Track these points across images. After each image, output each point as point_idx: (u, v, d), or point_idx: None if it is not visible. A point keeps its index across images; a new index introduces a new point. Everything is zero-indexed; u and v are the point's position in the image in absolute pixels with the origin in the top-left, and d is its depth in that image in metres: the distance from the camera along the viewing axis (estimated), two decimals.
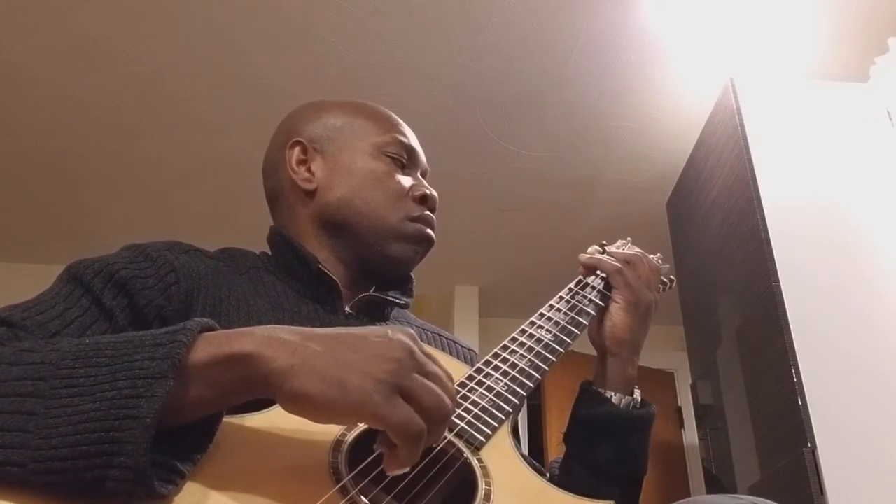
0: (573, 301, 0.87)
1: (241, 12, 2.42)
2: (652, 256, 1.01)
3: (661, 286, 1.01)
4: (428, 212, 0.90)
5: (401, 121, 0.95)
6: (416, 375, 0.51)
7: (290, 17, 2.44)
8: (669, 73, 2.67)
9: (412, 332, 0.55)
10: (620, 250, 0.98)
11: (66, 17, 2.41)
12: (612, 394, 0.83)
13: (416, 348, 0.53)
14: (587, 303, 0.87)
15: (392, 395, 0.49)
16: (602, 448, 0.81)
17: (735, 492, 2.05)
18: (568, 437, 0.85)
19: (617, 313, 0.85)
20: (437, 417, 0.51)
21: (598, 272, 0.92)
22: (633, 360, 0.85)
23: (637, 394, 0.85)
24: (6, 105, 2.81)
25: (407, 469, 0.51)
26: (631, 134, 2.99)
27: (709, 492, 2.49)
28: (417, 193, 0.89)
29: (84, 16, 2.41)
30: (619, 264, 0.87)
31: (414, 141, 0.94)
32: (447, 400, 0.52)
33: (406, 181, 0.90)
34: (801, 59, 2.55)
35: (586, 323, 0.85)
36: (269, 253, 0.91)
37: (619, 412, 0.81)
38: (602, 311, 0.87)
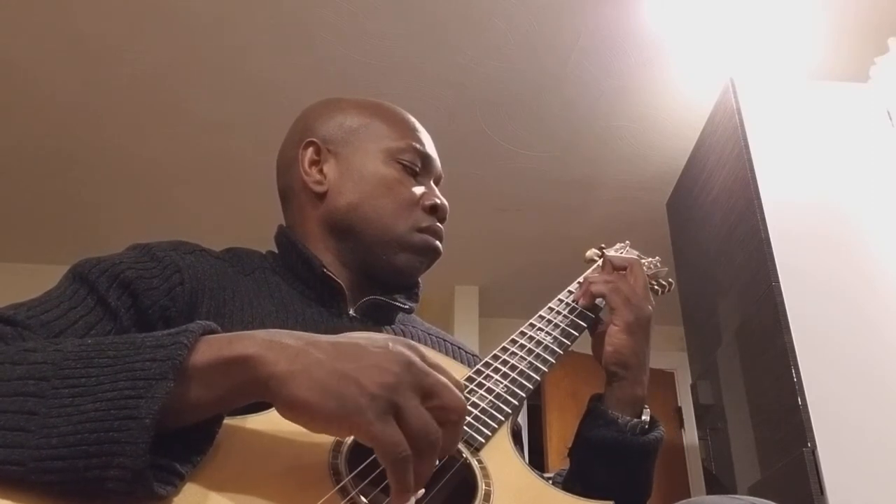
0: (573, 303, 0.87)
1: (241, 12, 2.42)
2: (651, 259, 1.01)
3: (659, 289, 1.01)
4: (437, 222, 0.88)
5: (418, 125, 0.93)
6: (412, 394, 0.50)
7: (290, 17, 2.44)
8: (669, 72, 2.67)
9: (415, 343, 0.54)
10: (618, 254, 0.98)
11: (65, 16, 2.41)
12: (619, 415, 0.80)
13: (416, 360, 0.52)
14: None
15: (385, 414, 0.48)
16: (606, 472, 0.79)
17: (735, 492, 2.05)
18: (572, 455, 0.84)
19: (617, 336, 0.81)
20: (423, 445, 0.49)
21: (598, 263, 0.92)
22: (642, 380, 0.82)
23: (646, 414, 0.82)
24: (6, 105, 2.81)
25: (409, 496, 0.50)
26: (631, 134, 2.99)
27: (709, 492, 2.49)
28: (427, 203, 0.87)
29: (84, 16, 2.41)
30: (611, 288, 0.83)
31: (429, 147, 0.92)
32: (435, 428, 0.50)
33: (417, 190, 0.88)
34: (801, 59, 2.56)
35: (586, 325, 0.85)
36: (276, 251, 0.91)
37: (626, 439, 0.79)
38: (598, 312, 0.86)
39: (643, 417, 0.82)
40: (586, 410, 0.84)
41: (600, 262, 0.92)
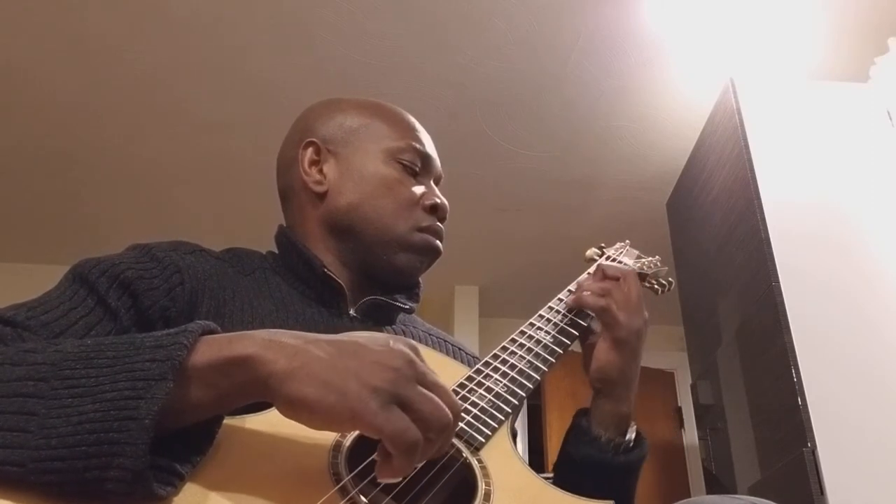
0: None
1: (241, 12, 2.42)
2: (651, 258, 1.01)
3: (660, 288, 1.01)
4: (437, 222, 0.88)
5: (418, 125, 0.93)
6: (416, 385, 0.51)
7: (290, 17, 2.44)
8: (669, 72, 2.67)
9: (414, 342, 0.55)
10: (618, 253, 0.98)
11: (66, 17, 2.41)
12: (603, 433, 0.79)
13: (416, 358, 0.52)
14: None
15: (389, 405, 0.49)
16: (587, 489, 0.78)
17: (735, 492, 2.05)
18: (556, 470, 0.83)
19: (604, 353, 0.79)
20: (437, 427, 0.50)
21: (598, 262, 0.92)
22: (627, 397, 0.80)
23: (631, 432, 0.81)
24: (6, 105, 2.81)
25: (398, 478, 0.51)
26: (631, 134, 2.99)
27: (709, 492, 2.49)
28: (428, 203, 0.87)
29: (84, 16, 2.41)
30: (602, 301, 0.80)
31: (429, 147, 0.91)
32: (446, 410, 0.51)
33: (417, 189, 0.88)
34: (801, 59, 2.56)
35: (585, 324, 0.84)
36: (276, 252, 0.91)
37: (605, 458, 0.78)
38: (591, 319, 0.85)
39: (628, 435, 0.80)
40: (570, 425, 0.83)
41: (593, 267, 0.90)
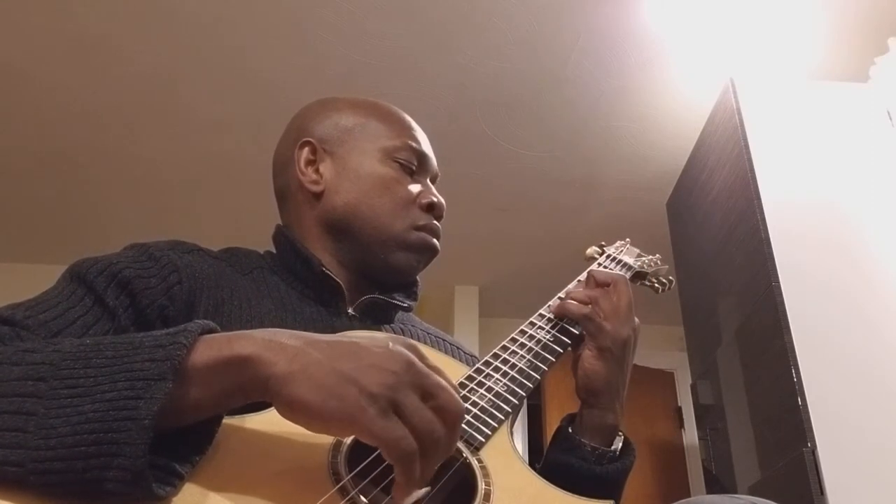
0: None
1: (241, 12, 2.42)
2: (651, 257, 1.01)
3: (660, 287, 1.01)
4: (434, 221, 0.88)
5: (414, 123, 0.92)
6: (412, 393, 0.50)
7: (290, 17, 2.44)
8: (669, 72, 2.67)
9: (414, 343, 0.54)
10: (618, 251, 0.98)
11: (66, 17, 2.41)
12: (587, 442, 0.78)
13: (416, 360, 0.52)
14: None
15: (386, 411, 0.48)
16: None
17: (735, 492, 2.05)
18: (539, 474, 0.83)
19: (589, 362, 0.78)
20: (427, 442, 0.50)
21: (598, 261, 0.91)
22: (614, 407, 0.79)
23: (618, 441, 0.80)
24: (6, 105, 2.81)
25: (415, 495, 0.50)
26: (631, 134, 2.99)
27: (709, 492, 2.49)
28: (424, 202, 0.87)
29: (84, 16, 2.41)
30: (587, 309, 0.80)
31: (426, 145, 0.91)
32: (439, 424, 0.50)
33: (414, 188, 0.88)
34: (801, 59, 2.56)
35: (577, 331, 0.83)
36: (274, 251, 0.91)
37: (585, 467, 0.76)
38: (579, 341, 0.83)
39: (613, 445, 0.79)
40: (556, 430, 0.82)
41: (584, 274, 0.89)
